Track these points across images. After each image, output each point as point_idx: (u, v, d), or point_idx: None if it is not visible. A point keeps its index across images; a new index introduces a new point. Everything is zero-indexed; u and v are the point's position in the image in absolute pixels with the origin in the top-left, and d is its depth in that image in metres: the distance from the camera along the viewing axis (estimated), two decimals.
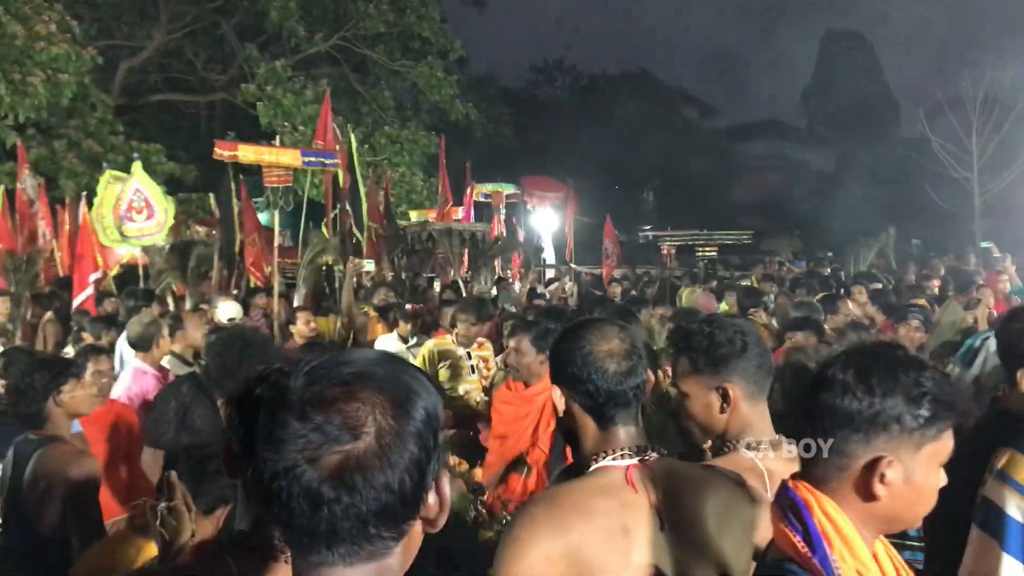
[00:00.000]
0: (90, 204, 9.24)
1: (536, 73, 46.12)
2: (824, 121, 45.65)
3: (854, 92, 41.86)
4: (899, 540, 2.08)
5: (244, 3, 19.84)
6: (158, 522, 2.01)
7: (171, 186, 14.89)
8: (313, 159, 9.83)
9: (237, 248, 11.19)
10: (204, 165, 17.15)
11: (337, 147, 11.43)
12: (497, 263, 13.51)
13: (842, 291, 8.96)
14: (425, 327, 7.89)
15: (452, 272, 12.65)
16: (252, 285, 10.76)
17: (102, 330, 6.60)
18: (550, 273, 16.27)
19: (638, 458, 1.83)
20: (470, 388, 6.21)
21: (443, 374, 6.18)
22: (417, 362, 5.94)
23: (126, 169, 9.38)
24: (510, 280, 13.38)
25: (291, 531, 1.01)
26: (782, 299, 8.71)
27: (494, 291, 11.08)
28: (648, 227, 39.57)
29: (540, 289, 12.62)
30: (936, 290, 9.68)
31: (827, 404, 1.44)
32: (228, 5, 20.18)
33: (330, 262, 10.50)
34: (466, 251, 13.25)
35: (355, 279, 8.54)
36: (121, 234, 8.63)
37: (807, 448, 1.69)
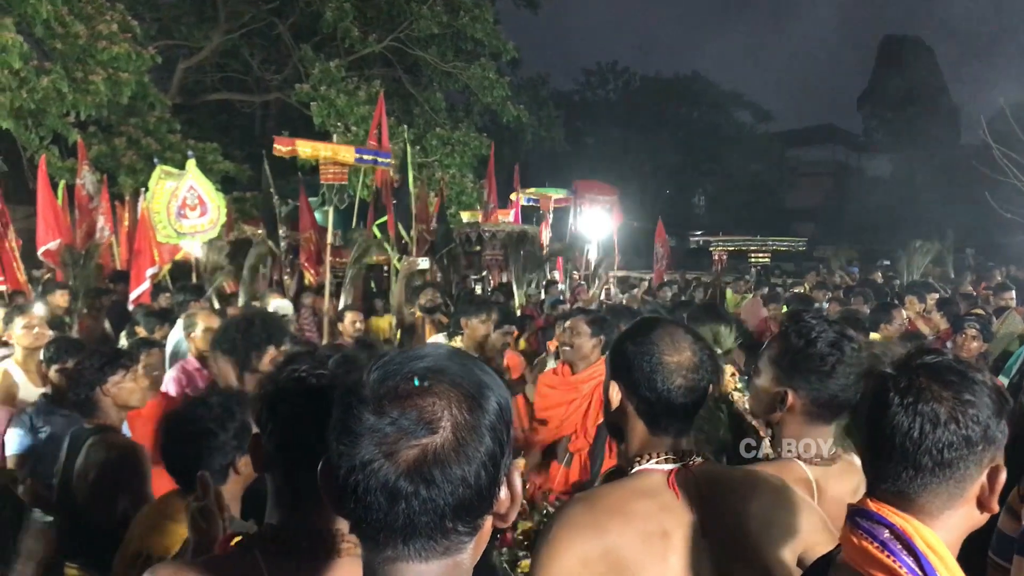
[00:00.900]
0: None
1: (588, 76, 46.00)
2: (881, 127, 44.90)
3: (912, 97, 41.01)
4: None
5: (300, 4, 20.07)
6: (189, 520, 2.03)
7: (225, 185, 15.13)
8: (367, 156, 9.92)
9: (284, 247, 11.34)
10: (258, 164, 17.41)
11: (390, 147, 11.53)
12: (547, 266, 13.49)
13: (896, 300, 8.79)
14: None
15: (501, 274, 12.68)
16: (306, 283, 10.90)
17: (155, 324, 6.71)
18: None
19: (681, 463, 1.81)
20: None
21: None
22: None
23: (182, 166, 9.53)
24: (558, 283, 13.35)
25: (366, 526, 1.01)
26: (834, 307, 8.59)
27: (543, 294, 11.07)
28: (699, 232, 39.24)
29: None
30: (1010, 301, 9.40)
31: (941, 440, 1.31)
32: (284, 6, 20.44)
33: (377, 261, 10.60)
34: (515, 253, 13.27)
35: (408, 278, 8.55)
36: (175, 231, 8.77)
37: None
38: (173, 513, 2.48)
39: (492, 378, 1.07)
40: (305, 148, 9.46)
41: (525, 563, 3.01)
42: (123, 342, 6.28)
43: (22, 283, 9.14)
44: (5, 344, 5.57)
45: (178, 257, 9.84)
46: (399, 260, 10.05)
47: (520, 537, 3.21)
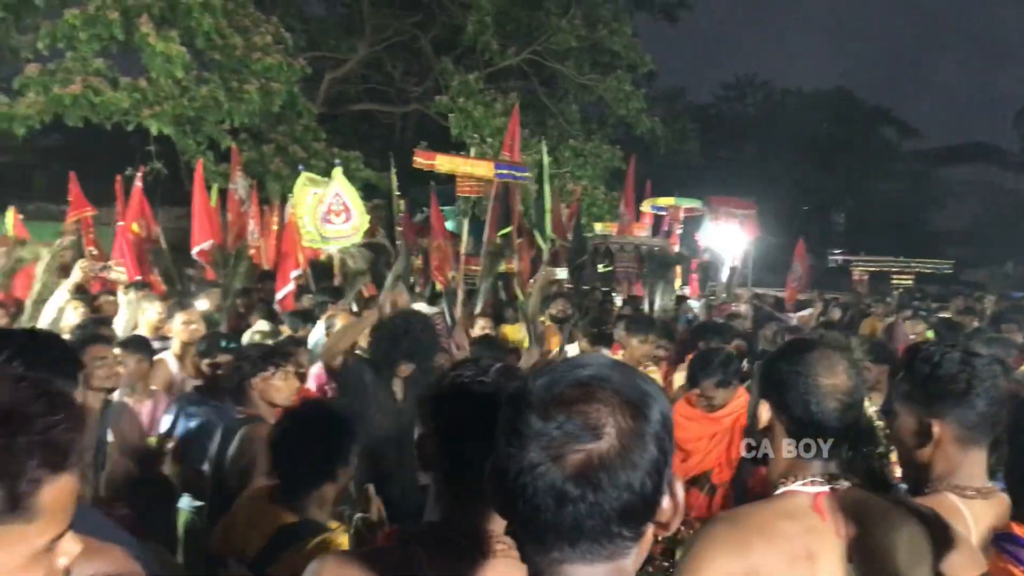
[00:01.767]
0: None
1: (726, 89, 45.21)
2: None
3: None
4: None
5: (442, 18, 20.56)
6: (352, 530, 2.11)
7: (365, 192, 15.61)
8: (505, 171, 10.06)
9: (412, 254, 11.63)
10: (397, 173, 17.89)
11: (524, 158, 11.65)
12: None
13: None
14: (605, 340, 7.87)
15: (631, 286, 12.60)
16: (436, 289, 11.13)
17: (300, 324, 7.01)
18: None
19: (828, 486, 1.79)
20: None
21: None
22: None
23: (326, 174, 9.89)
24: (688, 298, 13.16)
25: (533, 527, 1.04)
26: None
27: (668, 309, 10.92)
28: (838, 251, 37.92)
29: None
30: None
31: None
32: (427, 20, 20.98)
33: (507, 269, 10.70)
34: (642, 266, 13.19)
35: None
36: (320, 235, 9.11)
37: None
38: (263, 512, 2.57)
39: (654, 387, 1.09)
40: (445, 163, 9.67)
41: None
42: (247, 338, 6.55)
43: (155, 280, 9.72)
44: (165, 337, 5.91)
45: (322, 258, 10.22)
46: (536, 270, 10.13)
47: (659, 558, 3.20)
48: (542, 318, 8.38)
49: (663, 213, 17.05)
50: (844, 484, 1.80)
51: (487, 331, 7.22)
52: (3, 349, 1.88)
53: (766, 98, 45.00)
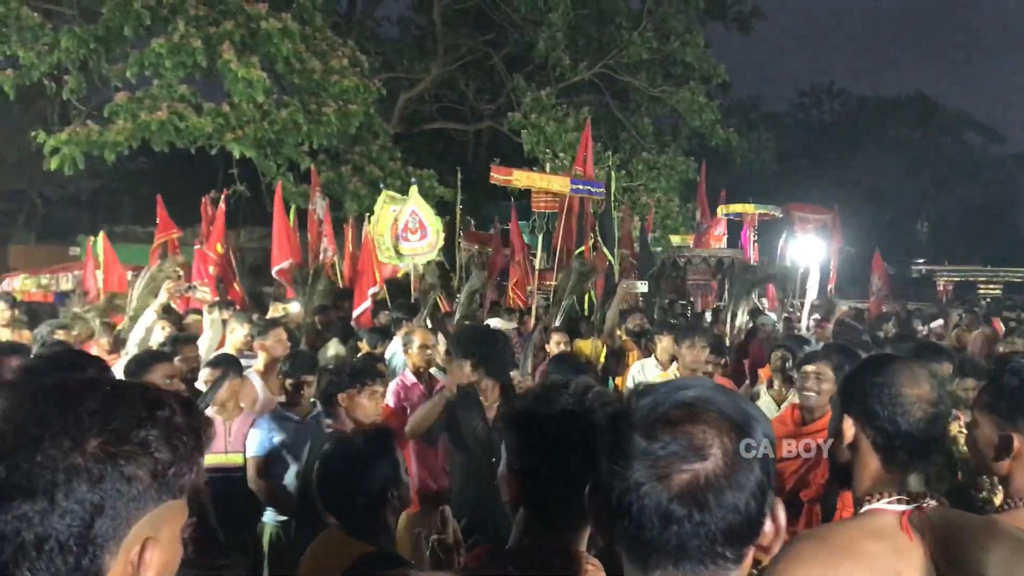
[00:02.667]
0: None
1: (802, 97, 44.47)
2: None
3: None
4: None
5: (514, 35, 20.70)
6: (428, 551, 2.14)
7: (439, 209, 15.79)
8: (580, 187, 10.10)
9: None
10: (471, 190, 18.04)
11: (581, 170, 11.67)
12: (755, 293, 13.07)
13: None
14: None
15: (708, 299, 12.46)
16: (505, 305, 11.18)
17: (378, 340, 7.12)
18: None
19: (915, 504, 1.75)
20: None
21: None
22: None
23: (402, 192, 10.06)
24: (766, 310, 12.92)
25: (637, 546, 1.05)
26: None
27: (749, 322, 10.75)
28: (921, 260, 36.81)
29: (799, 323, 12.05)
30: None
31: None
32: (499, 38, 21.15)
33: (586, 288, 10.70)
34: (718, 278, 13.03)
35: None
36: (397, 252, 9.26)
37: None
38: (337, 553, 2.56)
39: (757, 410, 1.10)
40: (522, 178, 9.76)
41: None
42: (331, 351, 6.67)
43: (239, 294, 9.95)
44: (250, 356, 6.04)
45: (399, 275, 10.37)
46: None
47: None
48: (619, 331, 8.36)
49: (738, 219, 16.82)
50: (931, 502, 1.75)
51: (563, 346, 7.21)
52: None
53: (843, 106, 44.13)
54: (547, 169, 15.58)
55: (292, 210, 12.24)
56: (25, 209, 25.46)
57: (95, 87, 14.13)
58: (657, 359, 6.69)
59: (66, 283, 12.67)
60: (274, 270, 10.27)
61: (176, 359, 4.69)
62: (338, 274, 12.02)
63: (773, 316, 12.04)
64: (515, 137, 18.82)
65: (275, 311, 8.06)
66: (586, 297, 11.73)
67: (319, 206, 11.91)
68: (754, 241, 16.46)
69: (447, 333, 6.55)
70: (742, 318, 9.80)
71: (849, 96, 44.12)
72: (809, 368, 4.36)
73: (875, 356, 1.99)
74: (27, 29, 12.38)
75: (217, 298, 8.93)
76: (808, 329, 11.17)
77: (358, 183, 15.56)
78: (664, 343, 6.65)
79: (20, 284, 11.31)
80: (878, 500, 1.78)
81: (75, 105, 14.02)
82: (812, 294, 14.03)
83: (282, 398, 5.02)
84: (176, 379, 4.13)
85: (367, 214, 11.13)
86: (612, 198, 12.18)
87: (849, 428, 1.86)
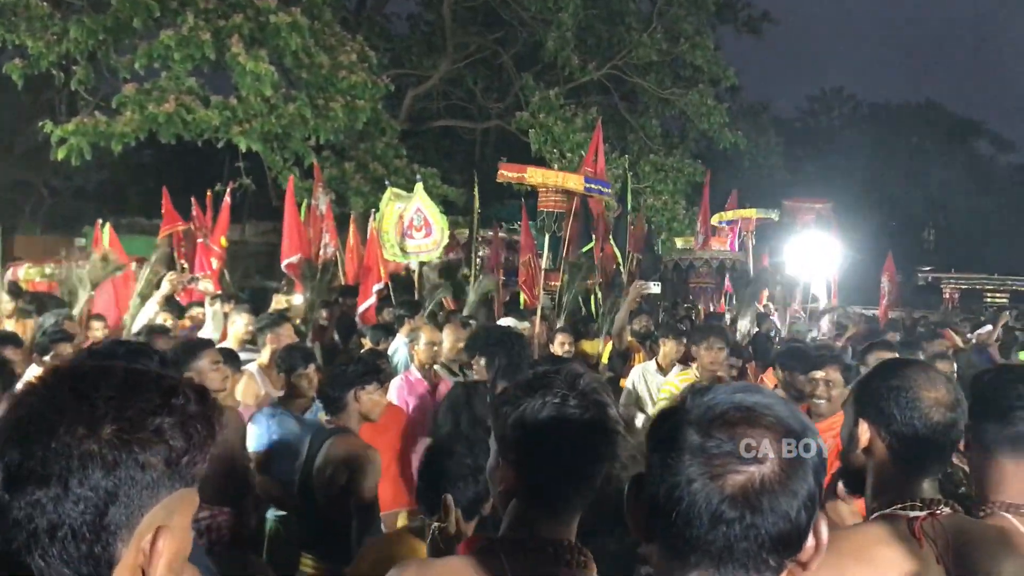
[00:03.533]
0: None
1: (812, 102, 44.43)
2: None
3: None
4: None
5: (523, 34, 20.65)
6: (429, 539, 2.11)
7: (444, 208, 15.76)
8: (593, 186, 10.06)
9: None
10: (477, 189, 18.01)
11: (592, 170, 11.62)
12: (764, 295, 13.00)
13: None
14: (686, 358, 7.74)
15: (708, 301, 12.42)
16: (522, 305, 11.15)
17: (381, 337, 7.09)
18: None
19: (928, 511, 1.71)
20: None
21: None
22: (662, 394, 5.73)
23: (407, 190, 10.00)
24: (770, 315, 12.86)
25: (680, 544, 1.04)
26: None
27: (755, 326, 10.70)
28: (928, 268, 36.76)
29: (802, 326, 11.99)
30: None
31: None
32: (508, 36, 21.10)
33: (591, 287, 10.66)
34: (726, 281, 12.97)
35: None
36: (401, 250, 9.22)
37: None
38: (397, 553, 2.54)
39: (810, 422, 1.09)
40: (535, 176, 9.69)
41: None
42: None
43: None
44: (250, 348, 6.01)
45: (403, 273, 10.33)
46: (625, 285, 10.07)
47: None
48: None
49: (734, 226, 16.78)
50: (944, 509, 1.73)
51: (567, 346, 7.17)
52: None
53: (853, 111, 44.13)
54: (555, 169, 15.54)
55: (303, 205, 12.22)
56: (31, 200, 25.48)
57: (103, 78, 14.13)
58: (658, 363, 6.59)
59: None
60: (283, 264, 10.20)
61: None
62: (340, 269, 11.99)
63: (776, 320, 11.99)
64: (522, 136, 18.78)
65: (278, 304, 8.03)
66: (592, 298, 11.69)
67: (321, 201, 11.84)
68: (752, 245, 16.38)
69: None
70: (747, 324, 9.74)
71: (859, 102, 44.13)
72: (818, 374, 4.31)
73: (891, 360, 1.96)
74: (36, 19, 12.35)
75: (220, 291, 8.91)
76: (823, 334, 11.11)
77: (361, 180, 15.53)
78: (667, 347, 6.57)
79: (24, 274, 11.28)
80: (891, 506, 1.75)
81: (83, 96, 13.99)
82: (823, 300, 13.95)
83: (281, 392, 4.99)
84: (222, 365, 4.15)
85: (372, 210, 11.09)
86: (628, 200, 12.14)
87: (864, 432, 1.83)
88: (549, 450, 1.50)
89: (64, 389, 1.06)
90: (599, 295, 11.40)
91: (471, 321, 8.10)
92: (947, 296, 22.49)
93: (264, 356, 5.63)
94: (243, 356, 5.60)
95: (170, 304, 7.23)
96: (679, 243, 16.83)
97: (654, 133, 21.51)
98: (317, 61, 13.86)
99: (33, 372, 4.98)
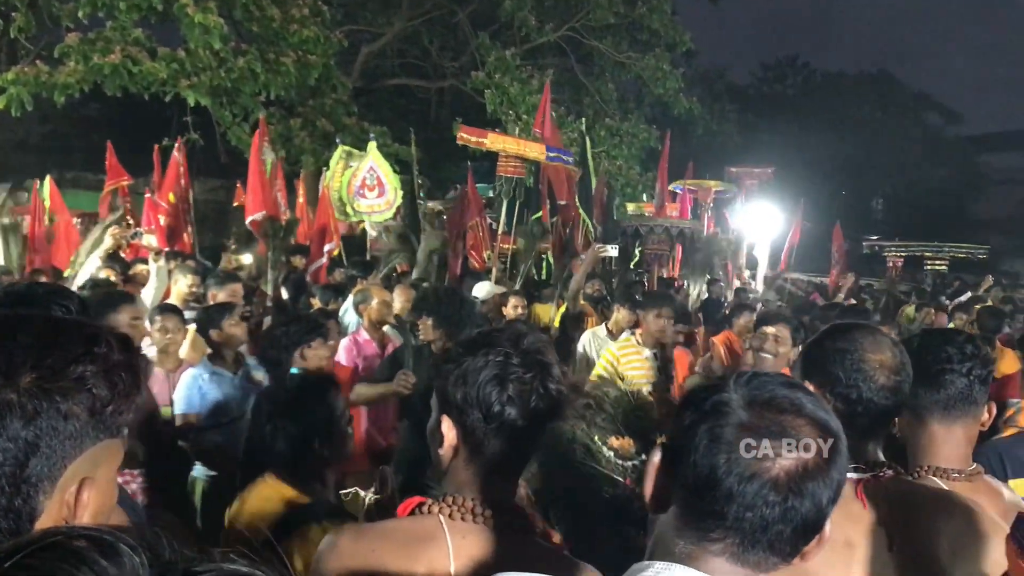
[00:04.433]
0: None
1: (766, 70, 44.59)
2: None
3: None
4: None
5: None
6: (363, 511, 2.08)
7: (397, 167, 15.57)
8: (554, 154, 10.02)
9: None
10: (430, 148, 17.81)
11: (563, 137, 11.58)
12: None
13: None
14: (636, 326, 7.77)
15: (662, 269, 12.49)
16: (471, 269, 11.10)
17: (331, 297, 7.02)
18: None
19: (871, 473, 1.74)
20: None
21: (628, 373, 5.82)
22: (603, 360, 5.73)
23: (356, 148, 9.87)
24: (720, 281, 13.00)
25: (710, 517, 1.07)
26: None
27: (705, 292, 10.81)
28: (875, 237, 37.42)
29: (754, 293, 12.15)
30: None
31: None
32: None
33: (539, 249, 10.65)
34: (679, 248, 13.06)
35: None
36: (353, 209, 9.11)
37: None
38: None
39: (839, 422, 1.14)
40: (496, 142, 9.61)
41: None
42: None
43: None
44: (195, 307, 5.90)
45: (357, 233, 10.21)
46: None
47: None
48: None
49: (693, 193, 16.92)
50: (887, 472, 1.75)
51: (520, 310, 7.16)
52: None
53: (806, 81, 44.36)
54: (508, 131, 15.45)
55: (269, 161, 11.96)
56: None
57: (45, 26, 13.65)
58: (609, 329, 6.61)
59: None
60: (247, 220, 9.98)
61: None
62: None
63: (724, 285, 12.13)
64: (478, 97, 18.62)
65: (228, 263, 7.87)
66: (543, 262, 11.70)
67: (268, 158, 11.61)
68: (709, 215, 16.54)
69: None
70: (698, 289, 9.83)
71: (813, 71, 44.36)
72: (769, 329, 4.37)
73: (839, 323, 1.97)
74: None
75: (166, 247, 8.72)
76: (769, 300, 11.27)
77: (307, 137, 15.27)
78: (620, 315, 6.57)
79: None
80: None
81: (24, 44, 13.54)
82: (763, 265, 14.16)
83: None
84: (141, 321, 4.04)
85: (324, 169, 10.92)
86: (590, 164, 12.11)
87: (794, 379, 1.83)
88: (489, 408, 1.49)
89: None
90: (551, 260, 11.42)
91: (424, 284, 8.04)
92: (891, 264, 22.88)
93: None
94: (187, 315, 5.49)
95: (115, 260, 7.07)
96: (630, 208, 16.88)
97: (610, 97, 21.44)
98: (268, 14, 13.57)
99: None
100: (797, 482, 1.04)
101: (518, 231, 10.30)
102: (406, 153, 17.03)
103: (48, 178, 10.02)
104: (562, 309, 7.91)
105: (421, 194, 13.24)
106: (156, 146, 12.23)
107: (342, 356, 5.40)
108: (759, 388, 1.10)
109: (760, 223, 15.51)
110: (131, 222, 10.87)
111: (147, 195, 10.87)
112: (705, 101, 23.21)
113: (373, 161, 9.18)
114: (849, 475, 1.72)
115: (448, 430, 1.55)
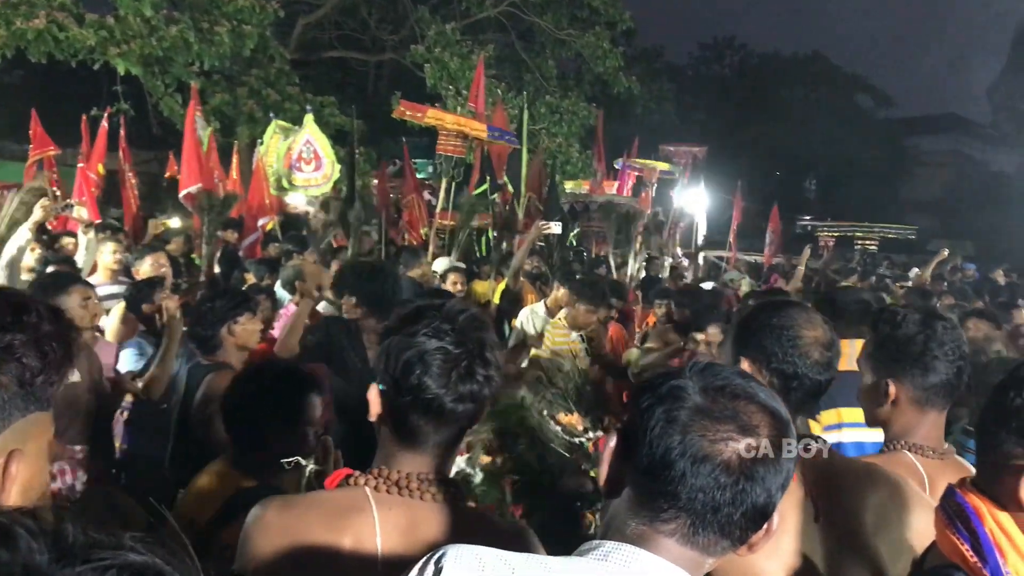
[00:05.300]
0: None
1: (704, 50, 45.01)
2: (1012, 118, 42.73)
3: None
4: None
5: None
6: (304, 482, 2.05)
7: (337, 140, 15.35)
8: (497, 134, 9.96)
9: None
10: (369, 122, 17.57)
11: (489, 112, 11.50)
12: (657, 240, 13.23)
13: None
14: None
15: (601, 246, 12.57)
16: (405, 244, 11.01)
17: (265, 272, 6.92)
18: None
19: (800, 446, 1.76)
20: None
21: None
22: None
23: (301, 119, 9.68)
24: (658, 259, 13.12)
25: (658, 495, 1.09)
26: (948, 300, 8.27)
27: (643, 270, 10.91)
28: (808, 217, 38.15)
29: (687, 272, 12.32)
30: None
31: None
32: None
33: (480, 224, 10.61)
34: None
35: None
36: (289, 182, 8.96)
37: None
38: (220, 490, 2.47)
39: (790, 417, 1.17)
40: (435, 117, 9.50)
41: None
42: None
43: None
44: (124, 280, 5.77)
45: (298, 209, 10.05)
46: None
47: None
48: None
49: (638, 172, 17.05)
50: (815, 445, 1.76)
51: (459, 286, 7.14)
52: None
53: (743, 61, 44.89)
54: (448, 107, 15.34)
55: (207, 133, 11.66)
56: None
57: None
58: (547, 306, 6.60)
59: None
60: (181, 194, 9.70)
61: None
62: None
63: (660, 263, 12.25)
64: (418, 71, 18.42)
65: (154, 228, 7.69)
66: (482, 238, 11.67)
67: (200, 128, 11.32)
68: (646, 193, 16.68)
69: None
70: (634, 265, 9.89)
71: (750, 52, 44.90)
72: (699, 336, 4.45)
73: (772, 300, 2.00)
74: None
75: (98, 220, 8.49)
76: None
77: (254, 107, 14.96)
78: (559, 293, 6.56)
79: None
80: None
81: None
82: (699, 242, 14.36)
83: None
84: (92, 302, 3.98)
85: (258, 142, 10.71)
86: (524, 140, 12.08)
87: (745, 369, 1.85)
88: (407, 381, 1.48)
89: None
90: (491, 235, 11.39)
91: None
92: (823, 244, 23.37)
93: None
94: (115, 289, 5.36)
95: (41, 232, 6.85)
96: (569, 186, 16.94)
97: (550, 74, 21.40)
98: None
99: None
100: (749, 465, 1.07)
101: (456, 206, 10.25)
102: (349, 125, 16.85)
103: None
104: (501, 285, 7.91)
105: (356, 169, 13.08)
106: (84, 116, 11.86)
107: (276, 329, 5.34)
108: (714, 376, 1.13)
109: (697, 203, 15.72)
110: (58, 193, 10.55)
111: (79, 166, 10.55)
112: (644, 80, 23.30)
113: (310, 134, 9.03)
114: None
115: (374, 399, 1.55)
